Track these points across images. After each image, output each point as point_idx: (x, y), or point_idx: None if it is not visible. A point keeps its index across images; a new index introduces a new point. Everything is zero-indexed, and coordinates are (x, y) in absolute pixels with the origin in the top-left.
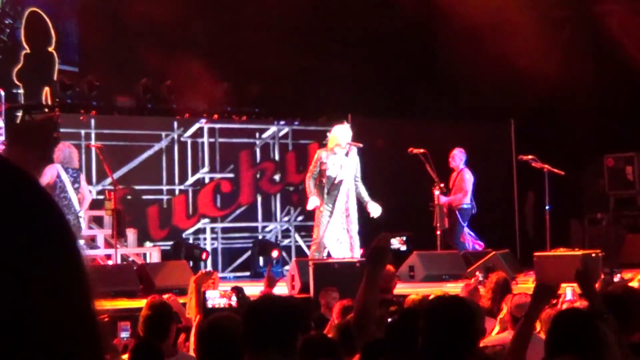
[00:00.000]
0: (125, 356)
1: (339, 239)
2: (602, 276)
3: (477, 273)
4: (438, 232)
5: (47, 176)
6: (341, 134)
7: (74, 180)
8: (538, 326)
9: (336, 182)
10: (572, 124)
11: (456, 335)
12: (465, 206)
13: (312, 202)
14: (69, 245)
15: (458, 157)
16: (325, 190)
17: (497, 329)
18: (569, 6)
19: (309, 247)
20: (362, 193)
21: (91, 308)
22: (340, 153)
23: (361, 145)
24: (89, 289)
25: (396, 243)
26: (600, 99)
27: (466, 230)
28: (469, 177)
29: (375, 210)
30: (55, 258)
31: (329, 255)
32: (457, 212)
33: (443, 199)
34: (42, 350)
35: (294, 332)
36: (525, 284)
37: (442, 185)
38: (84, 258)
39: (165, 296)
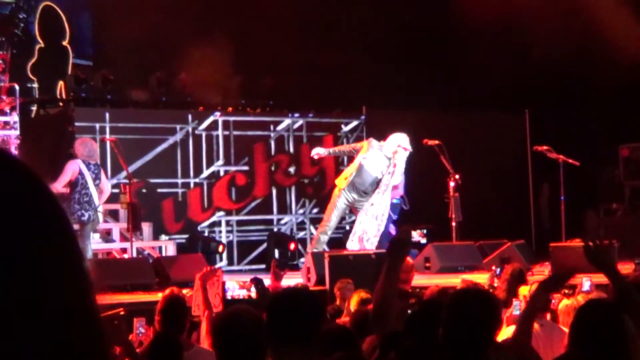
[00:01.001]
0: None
1: (356, 232)
2: (634, 265)
3: (493, 267)
4: (453, 224)
5: (69, 172)
6: (401, 140)
7: (95, 176)
8: (560, 317)
9: (369, 179)
10: (587, 114)
11: (478, 327)
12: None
13: (319, 150)
14: (68, 245)
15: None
16: (356, 180)
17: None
18: None
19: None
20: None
21: (92, 305)
22: (383, 153)
23: (410, 149)
24: (89, 285)
25: (416, 236)
26: (615, 89)
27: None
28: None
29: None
30: (54, 256)
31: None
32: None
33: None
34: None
35: (316, 324)
36: (541, 275)
37: (457, 176)
38: (84, 255)
39: (185, 291)
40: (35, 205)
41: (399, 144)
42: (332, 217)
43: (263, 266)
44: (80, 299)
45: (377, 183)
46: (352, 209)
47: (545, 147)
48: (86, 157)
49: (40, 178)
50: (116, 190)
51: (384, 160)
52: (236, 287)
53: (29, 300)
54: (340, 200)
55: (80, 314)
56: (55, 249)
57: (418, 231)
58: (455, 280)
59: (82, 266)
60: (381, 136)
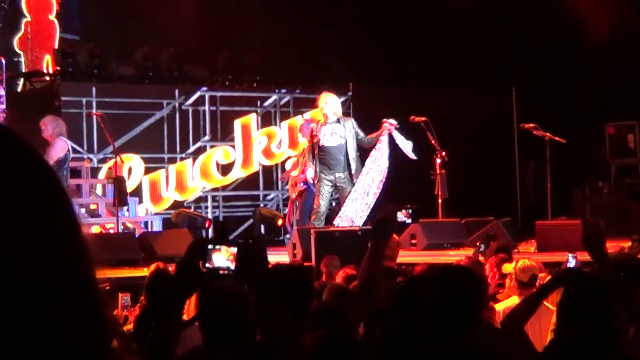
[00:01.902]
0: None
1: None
2: (630, 243)
3: (478, 243)
4: (440, 201)
5: (58, 150)
6: (330, 100)
7: None
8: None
9: (332, 152)
10: (574, 92)
11: (460, 303)
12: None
13: (309, 173)
14: (66, 212)
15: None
16: (323, 161)
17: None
18: None
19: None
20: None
21: (92, 275)
22: (333, 122)
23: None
24: (88, 256)
25: (401, 216)
26: (602, 67)
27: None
28: None
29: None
30: (54, 225)
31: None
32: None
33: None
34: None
35: (305, 300)
36: (527, 252)
37: (443, 153)
38: (82, 225)
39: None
40: (37, 181)
41: (334, 111)
42: (320, 203)
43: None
44: (80, 269)
45: (345, 152)
46: (337, 189)
47: (531, 125)
48: (61, 134)
49: (40, 155)
50: (102, 165)
51: (335, 128)
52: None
53: (30, 277)
54: (323, 187)
55: (82, 287)
56: (55, 223)
57: (403, 211)
58: (442, 258)
59: (83, 240)
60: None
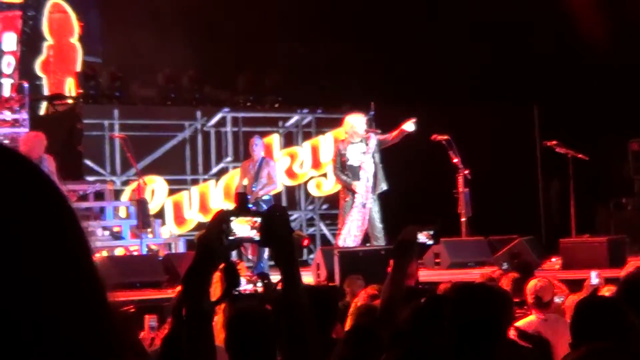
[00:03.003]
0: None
1: (354, 233)
2: None
3: (503, 263)
4: (463, 219)
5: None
6: (356, 122)
7: None
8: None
9: (358, 171)
10: (596, 109)
11: (484, 322)
12: (266, 197)
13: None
14: (75, 232)
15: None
16: (349, 181)
17: None
18: None
19: (334, 236)
20: (386, 137)
21: (102, 296)
22: (359, 142)
23: (379, 131)
24: (99, 279)
25: (422, 237)
26: (624, 83)
27: None
28: (274, 165)
29: (408, 126)
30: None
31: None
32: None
33: (260, 191)
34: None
35: (330, 320)
36: (552, 270)
37: (466, 171)
38: (91, 247)
39: None
40: (45, 204)
41: (356, 130)
42: (346, 222)
43: (272, 262)
44: (93, 298)
45: (371, 171)
46: (364, 207)
47: (554, 142)
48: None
49: (47, 175)
50: (126, 188)
51: (361, 147)
52: (243, 281)
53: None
54: (346, 206)
55: (93, 312)
56: (64, 246)
57: (424, 232)
58: (466, 276)
59: (92, 263)
60: (390, 131)
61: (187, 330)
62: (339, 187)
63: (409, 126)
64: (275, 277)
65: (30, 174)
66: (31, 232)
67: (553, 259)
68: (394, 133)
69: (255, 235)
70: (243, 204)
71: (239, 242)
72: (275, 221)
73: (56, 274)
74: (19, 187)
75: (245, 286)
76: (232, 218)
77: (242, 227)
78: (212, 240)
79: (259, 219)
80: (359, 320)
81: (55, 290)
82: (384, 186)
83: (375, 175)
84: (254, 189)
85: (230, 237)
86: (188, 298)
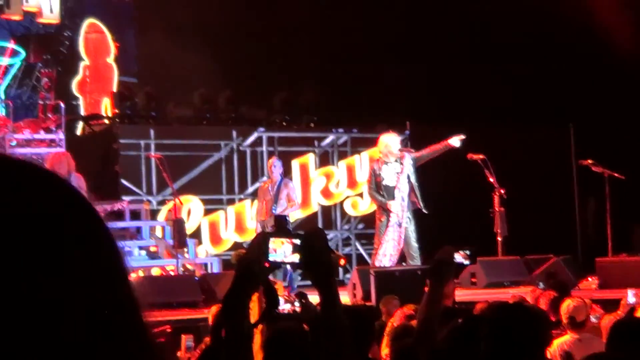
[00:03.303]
0: None
1: (390, 253)
2: None
3: (539, 283)
4: (499, 238)
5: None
6: (391, 142)
7: None
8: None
9: (393, 191)
10: (632, 128)
11: (520, 342)
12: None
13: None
14: (111, 251)
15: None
16: (384, 201)
17: None
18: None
19: (370, 255)
20: (432, 149)
21: (138, 316)
22: (393, 161)
23: (413, 150)
24: (136, 299)
25: (459, 257)
26: None
27: None
28: (293, 187)
29: (455, 141)
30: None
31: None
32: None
33: (290, 210)
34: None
35: (366, 340)
36: (588, 290)
37: (502, 191)
38: (127, 266)
39: None
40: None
41: (391, 150)
42: (382, 242)
43: (309, 282)
44: (129, 318)
45: (405, 191)
46: (399, 227)
47: (590, 161)
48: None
49: (82, 194)
50: (162, 207)
51: (396, 167)
52: (281, 301)
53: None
54: (382, 226)
55: (129, 332)
56: (102, 265)
57: (461, 252)
58: (502, 296)
59: (128, 283)
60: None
61: (226, 350)
62: (374, 206)
63: (455, 141)
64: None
65: (66, 193)
66: (69, 252)
67: (589, 279)
68: (437, 146)
69: (294, 257)
70: (282, 226)
71: (279, 265)
72: (315, 243)
73: (93, 294)
74: (56, 207)
75: (283, 306)
76: (271, 240)
77: (282, 249)
78: (252, 262)
79: (298, 241)
80: (397, 342)
81: (91, 310)
82: (424, 210)
83: (409, 195)
84: (274, 211)
85: (270, 259)
86: (228, 319)
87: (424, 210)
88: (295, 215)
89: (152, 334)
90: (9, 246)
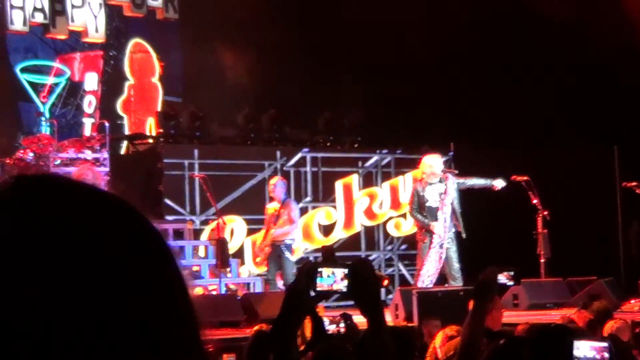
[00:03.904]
0: None
1: (432, 273)
2: None
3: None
4: (542, 260)
5: None
6: (434, 163)
7: None
8: None
9: (436, 212)
10: None
11: None
12: (288, 241)
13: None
14: (180, 279)
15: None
16: (427, 222)
17: None
18: None
19: (412, 276)
20: (480, 181)
21: (199, 334)
22: (436, 182)
23: (457, 172)
24: (195, 317)
25: (503, 278)
26: None
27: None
28: (295, 207)
29: (499, 183)
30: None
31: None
32: (283, 247)
33: (278, 231)
34: None
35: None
36: (631, 312)
37: (545, 212)
38: (189, 287)
39: None
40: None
41: (434, 171)
42: (425, 264)
43: (351, 302)
44: (191, 337)
45: (448, 212)
46: (441, 248)
47: (634, 183)
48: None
49: (150, 222)
50: (205, 227)
51: (440, 187)
52: (327, 321)
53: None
54: (424, 247)
55: (192, 350)
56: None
57: (505, 273)
58: (544, 318)
59: (191, 303)
60: (470, 172)
61: None
62: (416, 227)
63: (499, 183)
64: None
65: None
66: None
67: (632, 301)
68: (481, 181)
69: (343, 286)
70: (330, 256)
71: (327, 294)
72: (362, 273)
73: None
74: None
75: (328, 326)
76: (319, 270)
77: (329, 279)
78: (301, 291)
79: (345, 271)
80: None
81: (159, 328)
82: (463, 234)
83: (451, 217)
84: (273, 231)
85: (318, 289)
86: (276, 346)
87: (463, 235)
88: (292, 236)
89: (207, 352)
90: (105, 274)
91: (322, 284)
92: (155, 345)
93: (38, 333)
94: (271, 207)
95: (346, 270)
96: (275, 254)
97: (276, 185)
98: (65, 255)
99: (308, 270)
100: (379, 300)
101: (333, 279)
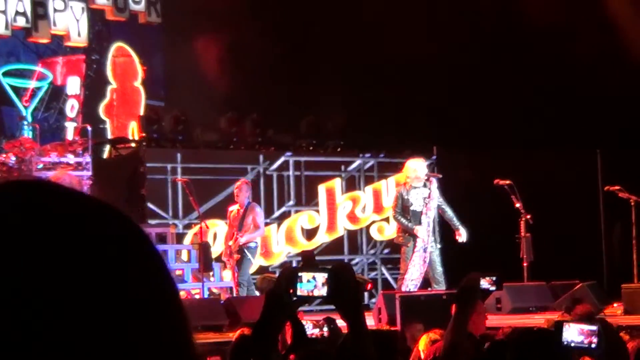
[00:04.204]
0: None
1: (415, 277)
2: None
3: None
4: (525, 264)
5: None
6: (418, 167)
7: None
8: None
9: (420, 216)
10: None
11: None
12: (252, 245)
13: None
14: (172, 288)
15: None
16: (411, 226)
17: None
18: None
19: (395, 280)
20: (453, 218)
21: (191, 341)
22: (420, 186)
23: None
24: (187, 323)
25: (485, 283)
26: None
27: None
28: (260, 212)
29: (463, 236)
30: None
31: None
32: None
33: (242, 239)
34: None
35: None
36: (614, 316)
37: (528, 216)
38: (183, 305)
39: None
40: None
41: (418, 175)
42: (409, 267)
43: (333, 307)
44: (184, 341)
45: (432, 215)
46: (425, 252)
47: (616, 187)
48: None
49: (139, 226)
50: (188, 231)
51: (423, 192)
52: (310, 326)
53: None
54: (408, 251)
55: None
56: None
57: (487, 278)
58: (527, 321)
59: (182, 306)
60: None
61: None
62: None
63: (461, 236)
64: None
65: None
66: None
67: (615, 305)
68: (451, 217)
69: (323, 292)
70: (310, 261)
71: (307, 299)
72: (342, 277)
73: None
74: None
75: (311, 330)
76: (299, 275)
77: (309, 284)
78: (281, 295)
79: (325, 275)
80: None
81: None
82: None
83: (435, 220)
84: (239, 236)
85: (299, 294)
86: (257, 351)
87: (463, 238)
88: (256, 240)
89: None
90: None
91: (303, 289)
92: (150, 348)
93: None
94: (234, 209)
95: (326, 275)
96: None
97: (241, 189)
98: (61, 261)
99: (288, 275)
100: (359, 305)
101: (313, 284)
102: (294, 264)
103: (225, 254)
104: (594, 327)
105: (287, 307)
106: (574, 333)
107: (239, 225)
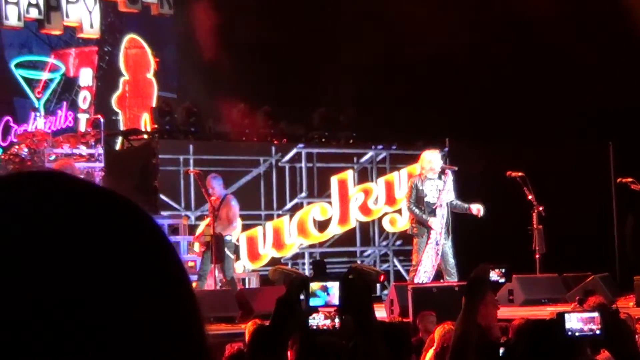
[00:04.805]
0: None
1: (428, 269)
2: None
3: (577, 298)
4: (537, 256)
5: None
6: (434, 158)
7: None
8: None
9: (434, 207)
10: None
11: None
12: (227, 237)
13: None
14: (184, 279)
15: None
16: (425, 217)
17: None
18: None
19: (407, 272)
20: (459, 203)
21: (203, 330)
22: (435, 178)
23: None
24: (203, 326)
25: (495, 276)
26: None
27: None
28: (234, 205)
29: (480, 210)
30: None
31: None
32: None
33: (219, 228)
34: None
35: (403, 357)
36: (626, 308)
37: (540, 208)
38: (195, 294)
39: None
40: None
41: (433, 166)
42: (421, 258)
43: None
44: (198, 332)
45: (445, 207)
46: (437, 244)
47: (629, 179)
48: None
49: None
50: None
51: (438, 184)
52: (322, 317)
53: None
54: (421, 242)
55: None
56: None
57: (496, 270)
58: (539, 313)
59: (195, 298)
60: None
61: None
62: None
63: (475, 209)
64: None
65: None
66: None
67: (627, 297)
68: (462, 205)
69: (334, 302)
70: (321, 270)
71: (317, 309)
72: (353, 285)
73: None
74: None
75: (323, 321)
76: (311, 284)
77: (320, 299)
78: (293, 305)
79: (337, 284)
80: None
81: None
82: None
83: (448, 213)
84: (217, 229)
85: (311, 304)
86: (267, 356)
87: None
88: (231, 234)
89: (210, 348)
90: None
91: (314, 304)
92: (164, 340)
93: (48, 331)
94: (213, 199)
95: (337, 284)
96: (213, 249)
97: (212, 185)
98: (75, 252)
99: (299, 283)
100: (370, 313)
101: (325, 298)
102: (306, 257)
103: (201, 240)
104: (594, 314)
105: (298, 315)
106: (575, 322)
107: (214, 217)
